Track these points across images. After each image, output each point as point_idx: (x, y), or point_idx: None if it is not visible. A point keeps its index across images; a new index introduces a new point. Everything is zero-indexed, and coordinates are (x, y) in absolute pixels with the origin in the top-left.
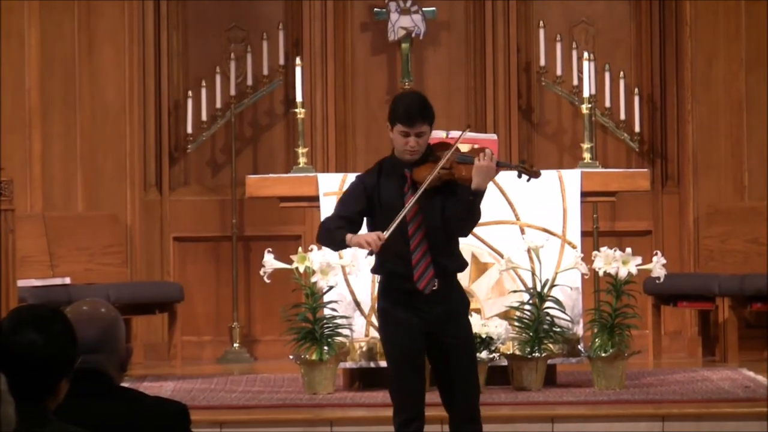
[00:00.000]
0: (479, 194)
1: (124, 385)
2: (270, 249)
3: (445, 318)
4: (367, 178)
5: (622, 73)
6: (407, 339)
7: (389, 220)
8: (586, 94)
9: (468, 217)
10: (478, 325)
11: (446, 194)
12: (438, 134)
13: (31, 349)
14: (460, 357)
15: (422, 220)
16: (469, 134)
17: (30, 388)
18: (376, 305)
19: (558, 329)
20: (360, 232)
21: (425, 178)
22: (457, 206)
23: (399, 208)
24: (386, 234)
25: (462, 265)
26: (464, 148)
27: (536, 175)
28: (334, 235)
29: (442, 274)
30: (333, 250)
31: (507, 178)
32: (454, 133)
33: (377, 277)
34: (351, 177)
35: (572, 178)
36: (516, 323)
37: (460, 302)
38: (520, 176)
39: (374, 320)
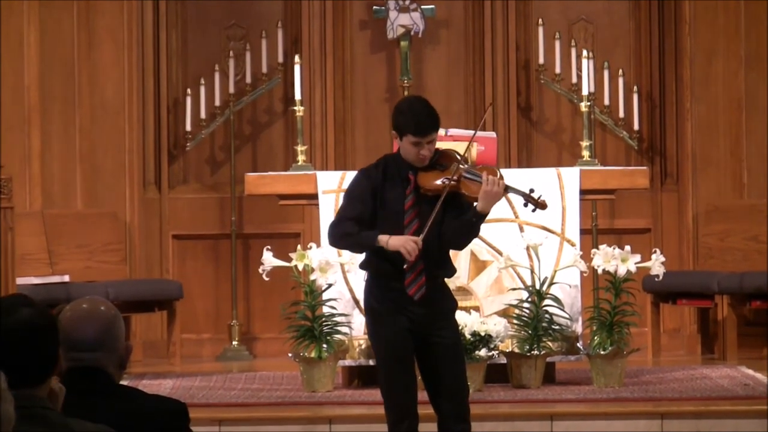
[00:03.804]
0: (482, 217)
1: (123, 383)
2: (269, 247)
3: (432, 318)
4: (374, 175)
5: (621, 71)
6: (394, 337)
7: (390, 221)
8: (585, 92)
9: (466, 236)
10: (477, 322)
11: (446, 204)
12: (452, 150)
13: (31, 321)
14: (447, 356)
15: (419, 227)
16: (468, 132)
17: (32, 366)
18: (363, 303)
19: (557, 327)
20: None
21: (433, 184)
22: (456, 221)
23: (399, 210)
24: (421, 238)
25: (451, 272)
26: (470, 148)
27: (543, 206)
28: (361, 238)
29: (431, 282)
30: (350, 249)
31: (506, 176)
32: (453, 131)
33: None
34: (350, 175)
35: (571, 176)
36: (515, 321)
37: (446, 303)
38: (526, 205)
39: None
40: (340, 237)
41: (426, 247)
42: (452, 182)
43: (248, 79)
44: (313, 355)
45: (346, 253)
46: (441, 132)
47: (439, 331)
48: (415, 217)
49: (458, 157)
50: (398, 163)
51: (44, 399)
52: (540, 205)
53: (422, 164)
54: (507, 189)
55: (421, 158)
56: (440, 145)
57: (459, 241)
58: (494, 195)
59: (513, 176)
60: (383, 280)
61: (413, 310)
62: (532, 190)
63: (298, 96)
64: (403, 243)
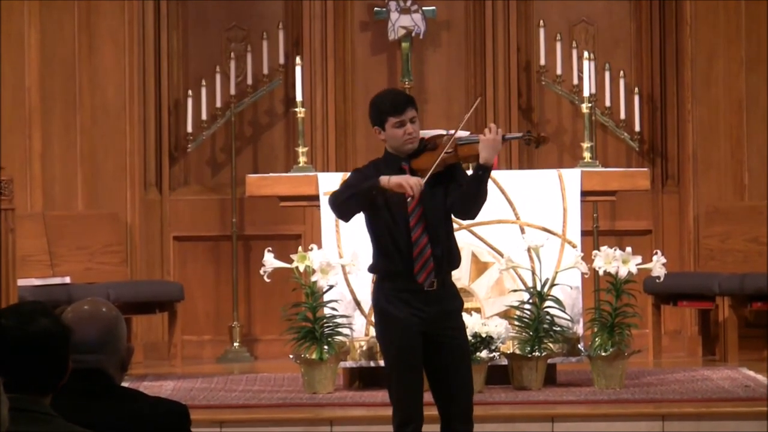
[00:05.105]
0: (487, 169)
1: (124, 384)
2: (270, 248)
3: (441, 317)
4: (366, 171)
5: (622, 72)
6: (404, 338)
7: (391, 212)
8: (586, 93)
9: (477, 194)
10: (478, 324)
11: (446, 183)
12: (439, 133)
13: (49, 332)
14: (456, 356)
15: (422, 212)
16: (468, 133)
17: (44, 376)
18: (372, 303)
19: (558, 328)
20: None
21: (430, 164)
22: (459, 189)
23: (400, 200)
24: (424, 181)
25: (458, 260)
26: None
27: (545, 140)
28: (361, 188)
29: (440, 270)
30: (355, 205)
31: (507, 177)
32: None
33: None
34: None
35: (572, 177)
36: (516, 322)
37: (455, 302)
38: (528, 143)
39: (374, 319)
40: (341, 192)
41: (432, 232)
42: (447, 153)
43: (249, 81)
44: (314, 356)
45: (347, 254)
46: (442, 132)
47: (447, 331)
48: (419, 202)
49: (445, 132)
50: (388, 160)
51: (48, 406)
52: (542, 139)
53: (412, 145)
54: (504, 138)
55: (408, 138)
56: None
57: (470, 202)
58: (494, 143)
59: (514, 178)
60: (393, 280)
61: (423, 309)
62: (528, 131)
63: (299, 97)
64: (405, 178)
